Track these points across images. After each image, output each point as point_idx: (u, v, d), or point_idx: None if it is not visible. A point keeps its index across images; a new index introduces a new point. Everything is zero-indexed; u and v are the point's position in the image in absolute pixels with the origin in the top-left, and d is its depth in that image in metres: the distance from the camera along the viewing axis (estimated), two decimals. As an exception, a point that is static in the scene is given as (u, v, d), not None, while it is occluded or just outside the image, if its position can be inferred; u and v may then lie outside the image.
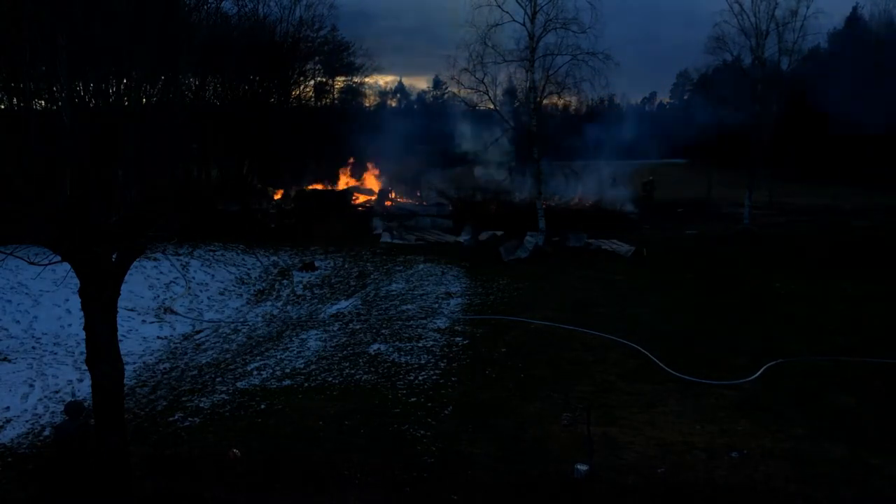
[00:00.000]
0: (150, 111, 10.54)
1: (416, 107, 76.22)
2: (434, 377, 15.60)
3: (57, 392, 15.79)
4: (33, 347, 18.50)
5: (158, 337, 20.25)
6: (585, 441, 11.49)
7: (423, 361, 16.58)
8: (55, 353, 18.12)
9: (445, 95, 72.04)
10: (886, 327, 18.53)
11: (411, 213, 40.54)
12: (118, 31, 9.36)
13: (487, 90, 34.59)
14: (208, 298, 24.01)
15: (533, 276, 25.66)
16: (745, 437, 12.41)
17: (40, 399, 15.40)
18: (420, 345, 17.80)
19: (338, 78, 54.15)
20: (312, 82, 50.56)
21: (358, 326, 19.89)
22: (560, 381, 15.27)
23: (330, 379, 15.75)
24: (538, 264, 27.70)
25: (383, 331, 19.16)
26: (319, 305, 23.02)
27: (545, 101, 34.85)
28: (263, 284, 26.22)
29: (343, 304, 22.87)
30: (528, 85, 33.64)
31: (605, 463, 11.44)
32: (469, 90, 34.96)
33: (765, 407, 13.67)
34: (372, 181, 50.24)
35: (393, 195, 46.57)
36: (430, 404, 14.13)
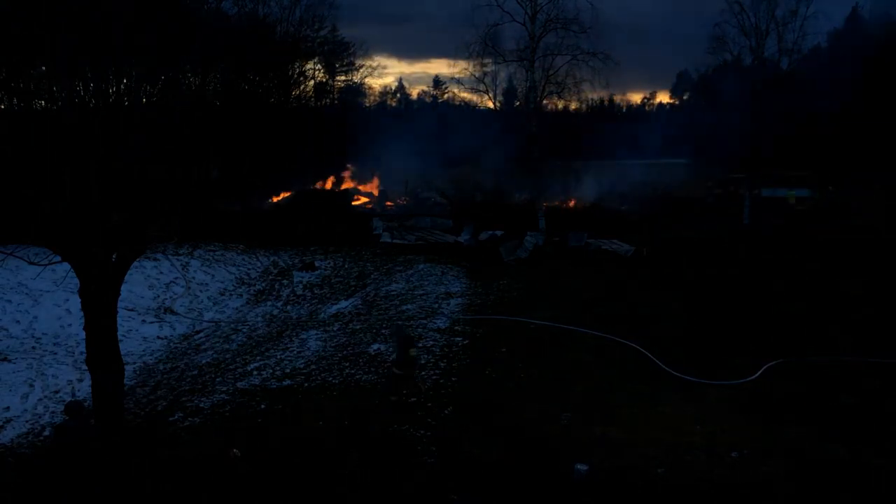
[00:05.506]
0: (150, 111, 10.54)
1: (416, 107, 76.26)
2: (434, 377, 15.59)
3: (57, 392, 15.80)
4: (33, 347, 18.51)
5: (158, 337, 20.27)
6: (586, 441, 11.49)
7: (422, 361, 16.57)
8: (55, 353, 18.13)
9: (445, 95, 72.11)
10: (886, 327, 18.51)
11: (411, 213, 40.52)
12: (118, 31, 9.37)
13: (488, 90, 34.68)
14: (208, 298, 24.02)
15: (533, 276, 25.65)
16: (745, 437, 12.40)
17: (40, 399, 15.41)
18: (420, 345, 17.78)
19: (338, 78, 54.21)
20: (312, 82, 50.59)
21: (358, 326, 19.88)
22: (560, 380, 15.27)
23: (330, 379, 15.75)
24: (538, 264, 27.69)
25: (383, 331, 19.15)
26: (319, 305, 23.01)
27: (545, 101, 34.92)
28: (263, 284, 26.22)
29: (343, 304, 22.86)
30: (528, 85, 33.70)
31: (605, 463, 11.44)
32: (469, 90, 35.09)
33: (765, 407, 13.67)
34: (371, 182, 50.24)
35: (391, 199, 46.55)
36: (430, 404, 14.13)
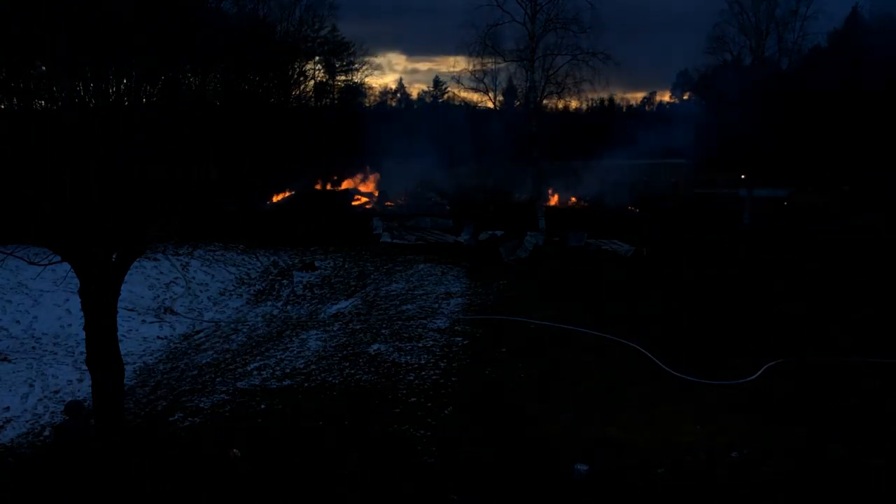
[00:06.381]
0: (150, 111, 10.54)
1: (416, 106, 76.18)
2: (434, 377, 15.59)
3: (57, 392, 15.80)
4: (33, 347, 18.51)
5: (158, 337, 20.27)
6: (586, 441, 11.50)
7: (423, 361, 16.58)
8: (55, 353, 18.13)
9: (446, 95, 72.15)
10: (886, 327, 18.52)
11: (411, 213, 40.54)
12: (118, 31, 9.37)
13: (488, 90, 34.77)
14: (208, 298, 24.02)
15: (533, 276, 25.65)
16: (745, 437, 12.41)
17: (40, 399, 15.41)
18: (420, 345, 17.79)
19: (338, 78, 54.20)
20: (312, 82, 50.59)
21: (358, 326, 19.88)
22: (560, 381, 15.27)
23: (330, 379, 15.75)
24: (538, 264, 27.69)
25: (383, 331, 19.15)
26: (319, 305, 23.01)
27: (545, 101, 34.95)
28: (263, 284, 26.23)
29: (343, 304, 22.86)
30: (528, 85, 33.72)
31: (605, 463, 11.44)
32: (469, 90, 35.17)
33: (765, 407, 13.67)
34: (371, 182, 50.26)
35: (391, 199, 46.58)
36: (430, 404, 14.13)
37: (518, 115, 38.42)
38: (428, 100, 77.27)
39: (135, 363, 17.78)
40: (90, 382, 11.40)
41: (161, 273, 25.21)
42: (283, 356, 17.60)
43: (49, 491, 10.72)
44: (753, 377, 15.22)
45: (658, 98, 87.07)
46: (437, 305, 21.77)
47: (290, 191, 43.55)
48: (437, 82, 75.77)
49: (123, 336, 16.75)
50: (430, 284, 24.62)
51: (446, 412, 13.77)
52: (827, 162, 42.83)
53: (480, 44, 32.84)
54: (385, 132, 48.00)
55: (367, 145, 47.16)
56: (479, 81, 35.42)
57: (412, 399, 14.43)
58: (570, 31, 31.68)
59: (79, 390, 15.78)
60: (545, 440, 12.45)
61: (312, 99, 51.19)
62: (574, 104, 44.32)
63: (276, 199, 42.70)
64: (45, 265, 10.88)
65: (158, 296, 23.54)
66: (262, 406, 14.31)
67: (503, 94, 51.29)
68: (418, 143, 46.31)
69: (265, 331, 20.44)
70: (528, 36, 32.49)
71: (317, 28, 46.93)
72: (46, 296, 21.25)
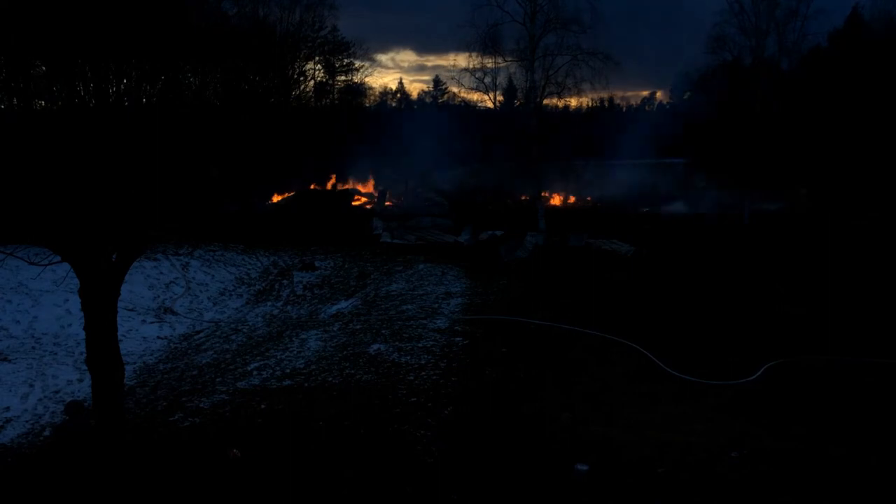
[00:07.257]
0: (149, 112, 10.53)
1: (416, 106, 76.09)
2: (434, 377, 15.60)
3: (57, 392, 15.80)
4: (33, 347, 18.51)
5: (158, 337, 20.26)
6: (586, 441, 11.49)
7: (423, 361, 16.58)
8: (55, 353, 18.12)
9: (446, 95, 72.12)
10: (886, 327, 18.52)
11: (411, 213, 40.54)
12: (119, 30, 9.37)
13: (488, 90, 34.78)
14: (208, 298, 24.01)
15: (532, 276, 25.65)
16: (745, 437, 12.41)
17: (40, 399, 15.41)
18: (420, 345, 17.80)
19: (338, 78, 54.17)
20: (312, 82, 50.59)
21: (358, 326, 19.89)
22: (560, 381, 15.27)
23: (330, 379, 15.75)
24: (538, 264, 27.69)
25: (383, 331, 19.16)
26: (319, 305, 23.01)
27: (545, 101, 34.92)
28: (263, 284, 26.21)
29: (343, 304, 22.87)
30: (528, 85, 33.70)
31: (605, 463, 11.45)
32: (469, 90, 35.17)
33: (765, 407, 13.68)
34: (371, 182, 50.26)
35: (391, 199, 46.59)
36: (430, 404, 14.14)
37: (518, 115, 38.34)
38: (428, 100, 77.22)
39: (135, 363, 17.77)
40: (90, 382, 11.41)
41: (161, 273, 25.21)
42: (283, 356, 17.61)
43: (49, 491, 10.73)
44: (753, 377, 15.23)
45: (658, 98, 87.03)
46: (437, 305, 21.78)
47: (290, 191, 43.54)
48: (438, 82, 75.71)
49: (123, 336, 16.76)
50: (430, 284, 24.63)
51: (446, 412, 13.78)
52: (826, 162, 42.79)
53: (480, 44, 32.84)
54: (385, 132, 48.00)
55: (368, 145, 47.16)
56: (480, 81, 35.42)
57: (412, 399, 14.43)
58: (570, 31, 31.66)
59: (79, 390, 15.78)
60: (545, 440, 12.46)
61: (312, 99, 51.18)
62: (574, 104, 44.22)
63: (276, 199, 42.69)
64: (45, 265, 10.89)
65: (158, 296, 23.53)
66: (262, 406, 14.31)
67: (503, 94, 51.27)
68: (418, 142, 46.31)
69: (265, 331, 20.44)
70: (528, 36, 32.48)
71: (317, 28, 46.91)
72: (46, 296, 21.25)
